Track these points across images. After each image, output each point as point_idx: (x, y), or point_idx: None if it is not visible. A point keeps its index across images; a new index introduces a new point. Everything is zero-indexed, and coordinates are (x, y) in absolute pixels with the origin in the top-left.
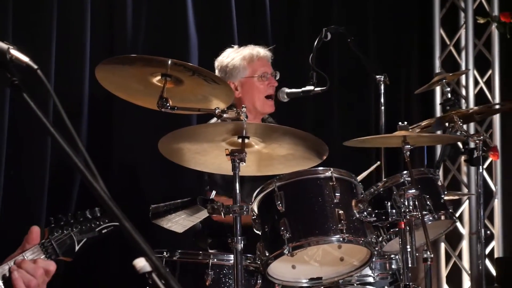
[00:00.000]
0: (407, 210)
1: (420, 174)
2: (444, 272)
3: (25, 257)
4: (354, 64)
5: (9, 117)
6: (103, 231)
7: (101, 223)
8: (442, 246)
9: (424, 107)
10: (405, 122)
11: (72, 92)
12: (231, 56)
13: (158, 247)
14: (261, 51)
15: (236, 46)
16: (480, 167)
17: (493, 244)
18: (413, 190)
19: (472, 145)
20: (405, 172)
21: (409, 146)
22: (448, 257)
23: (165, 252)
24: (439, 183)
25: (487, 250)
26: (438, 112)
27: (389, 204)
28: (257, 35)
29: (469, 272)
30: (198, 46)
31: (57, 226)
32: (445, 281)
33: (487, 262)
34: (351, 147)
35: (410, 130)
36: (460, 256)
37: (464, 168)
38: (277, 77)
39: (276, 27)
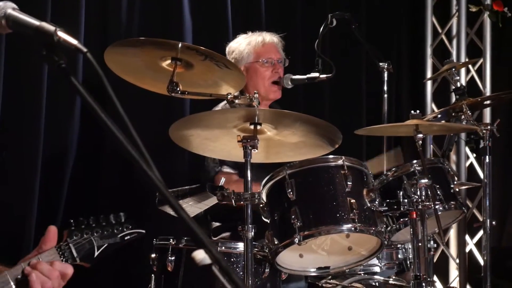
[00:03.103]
0: (420, 200)
1: (430, 163)
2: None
3: (41, 259)
4: (347, 52)
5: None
6: (126, 238)
7: (125, 229)
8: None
9: (415, 96)
10: (417, 111)
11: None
12: (239, 42)
13: (163, 234)
14: (268, 37)
15: (249, 33)
16: (487, 157)
17: (481, 233)
18: (426, 180)
19: (481, 135)
20: (415, 161)
21: (422, 135)
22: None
23: (171, 239)
24: (449, 173)
25: (475, 240)
26: (429, 102)
27: (400, 193)
28: (252, 20)
29: (457, 261)
30: (192, 31)
31: (77, 229)
32: (432, 270)
33: (475, 251)
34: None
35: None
36: (448, 244)
37: (453, 157)
38: (286, 64)
39: (270, 13)
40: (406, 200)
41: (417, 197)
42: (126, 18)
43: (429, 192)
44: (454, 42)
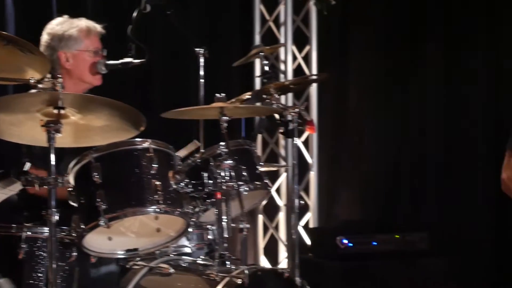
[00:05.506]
0: (223, 180)
1: (237, 145)
2: (261, 244)
3: None
4: (175, 37)
5: None
6: None
7: None
8: (260, 218)
9: (244, 80)
10: (223, 94)
11: None
12: (67, 26)
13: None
14: (98, 27)
15: (66, 16)
16: (295, 139)
17: (309, 215)
18: (229, 161)
19: (289, 117)
20: (221, 143)
21: (227, 117)
22: (265, 229)
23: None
24: (255, 155)
25: (303, 221)
26: (257, 85)
27: (206, 174)
28: (76, 6)
29: (286, 243)
30: (14, 16)
31: None
32: (262, 253)
33: (303, 232)
34: (173, 121)
35: (229, 102)
36: (277, 227)
37: (282, 142)
38: (105, 54)
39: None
40: (211, 181)
41: (221, 177)
42: None
43: (233, 173)
44: (282, 29)
